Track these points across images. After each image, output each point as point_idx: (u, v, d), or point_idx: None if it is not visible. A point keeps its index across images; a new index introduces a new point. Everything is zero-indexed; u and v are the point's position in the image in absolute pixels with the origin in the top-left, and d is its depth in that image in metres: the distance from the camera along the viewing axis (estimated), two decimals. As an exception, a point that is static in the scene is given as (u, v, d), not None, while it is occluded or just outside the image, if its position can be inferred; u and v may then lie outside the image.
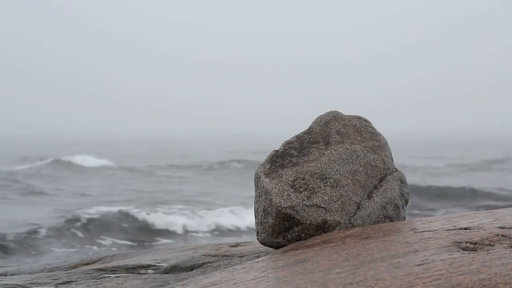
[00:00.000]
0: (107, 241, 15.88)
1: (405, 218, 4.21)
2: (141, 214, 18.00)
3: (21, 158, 47.33)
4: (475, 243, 2.84)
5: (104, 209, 19.48)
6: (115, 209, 19.26)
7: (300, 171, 4.04)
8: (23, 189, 25.98)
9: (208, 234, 17.15)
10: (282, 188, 3.96)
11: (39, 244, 14.71)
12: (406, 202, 4.30)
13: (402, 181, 4.29)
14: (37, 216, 18.29)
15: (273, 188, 3.96)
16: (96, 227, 16.66)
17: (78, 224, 16.67)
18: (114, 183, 30.70)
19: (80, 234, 16.00)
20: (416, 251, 2.81)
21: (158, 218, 17.72)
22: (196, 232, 17.30)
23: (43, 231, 15.45)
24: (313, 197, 3.96)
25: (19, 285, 4.46)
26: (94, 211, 18.94)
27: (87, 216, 17.68)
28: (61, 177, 33.05)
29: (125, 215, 17.90)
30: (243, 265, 3.49)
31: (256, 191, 4.16)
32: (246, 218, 18.03)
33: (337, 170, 4.07)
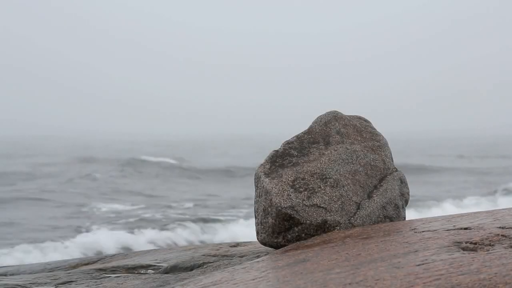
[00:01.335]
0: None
1: (405, 218, 4.21)
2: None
3: (84, 159, 44.57)
4: (475, 243, 2.84)
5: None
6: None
7: (300, 171, 4.04)
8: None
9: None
10: (282, 188, 3.96)
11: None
12: (406, 202, 4.30)
13: (402, 181, 4.29)
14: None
15: (273, 188, 3.96)
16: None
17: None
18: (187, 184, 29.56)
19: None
20: (416, 251, 2.81)
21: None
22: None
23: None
24: (313, 197, 3.96)
25: (19, 285, 4.46)
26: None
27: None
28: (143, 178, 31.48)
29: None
30: (243, 265, 3.49)
31: (256, 191, 4.16)
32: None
33: (337, 170, 4.07)
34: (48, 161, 43.71)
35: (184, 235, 15.41)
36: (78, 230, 15.55)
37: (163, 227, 15.76)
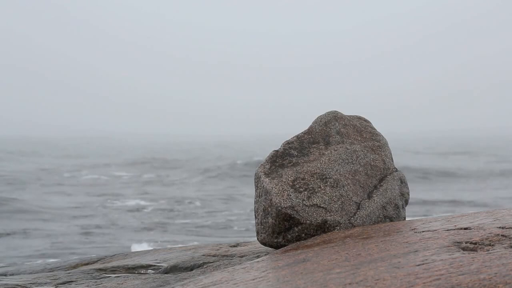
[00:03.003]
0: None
1: (405, 218, 4.21)
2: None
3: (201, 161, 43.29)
4: (475, 243, 2.84)
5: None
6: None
7: (300, 171, 4.04)
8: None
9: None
10: (282, 188, 3.96)
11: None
12: (406, 202, 4.30)
13: (402, 181, 4.29)
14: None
15: (273, 188, 3.96)
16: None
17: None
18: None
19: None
20: (416, 251, 2.80)
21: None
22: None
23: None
24: (313, 197, 3.95)
25: (19, 285, 4.46)
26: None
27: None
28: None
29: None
30: (243, 265, 3.49)
31: (256, 191, 4.16)
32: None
33: (337, 170, 4.07)
34: (117, 162, 42.44)
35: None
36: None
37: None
